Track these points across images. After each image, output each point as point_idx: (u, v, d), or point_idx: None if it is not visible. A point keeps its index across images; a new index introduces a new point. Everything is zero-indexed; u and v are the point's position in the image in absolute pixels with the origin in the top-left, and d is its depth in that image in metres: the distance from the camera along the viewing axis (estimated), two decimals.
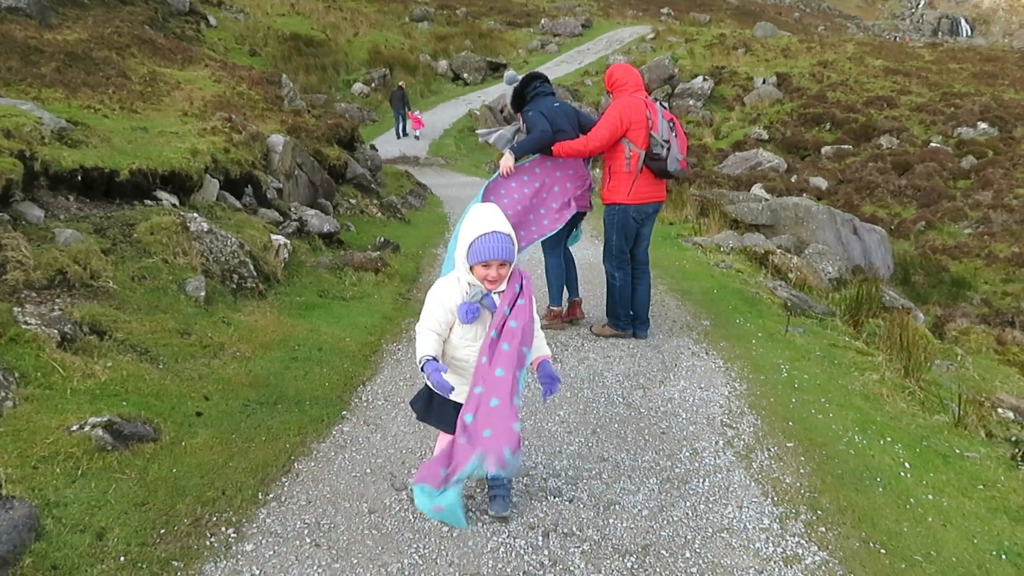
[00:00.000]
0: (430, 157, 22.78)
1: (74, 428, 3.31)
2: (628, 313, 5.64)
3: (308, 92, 23.98)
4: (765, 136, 26.17)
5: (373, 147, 16.34)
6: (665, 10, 49.90)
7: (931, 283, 14.68)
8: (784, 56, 34.48)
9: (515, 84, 5.61)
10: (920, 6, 79.21)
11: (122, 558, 2.72)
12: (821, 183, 21.43)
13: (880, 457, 4.01)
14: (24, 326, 3.90)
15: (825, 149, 24.66)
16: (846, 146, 24.74)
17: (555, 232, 5.34)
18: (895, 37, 40.94)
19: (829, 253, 11.12)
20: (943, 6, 78.90)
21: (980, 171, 21.24)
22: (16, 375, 3.57)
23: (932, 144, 23.98)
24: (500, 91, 29.55)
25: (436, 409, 3.06)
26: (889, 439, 4.26)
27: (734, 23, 47.21)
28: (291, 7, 33.70)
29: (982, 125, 24.78)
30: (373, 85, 30.35)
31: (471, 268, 2.86)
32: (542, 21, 42.18)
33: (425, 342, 2.86)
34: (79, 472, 3.11)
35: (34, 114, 5.94)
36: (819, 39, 37.86)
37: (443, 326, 2.91)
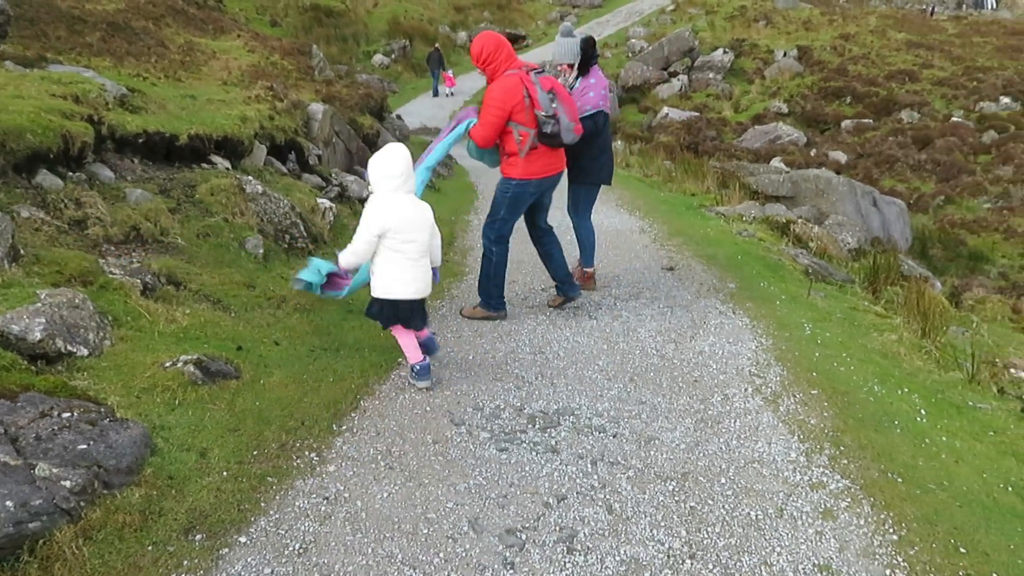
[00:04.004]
0: None
1: (167, 364, 3.68)
2: (502, 293, 5.44)
3: (330, 63, 24.16)
4: (785, 110, 26.14)
5: (399, 117, 16.59)
6: None
7: (949, 256, 14.86)
8: (805, 29, 34.21)
9: (570, 36, 5.59)
10: None
11: (224, 473, 3.10)
12: (841, 157, 21.49)
13: (898, 405, 4.33)
14: (111, 275, 4.26)
15: (845, 123, 24.62)
16: (866, 120, 24.68)
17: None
18: (931, 9, 39.47)
19: (849, 224, 11.35)
20: None
21: (1001, 146, 21.22)
22: (110, 318, 3.94)
23: (953, 119, 23.90)
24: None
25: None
26: (906, 390, 4.57)
27: None
28: None
29: (1005, 99, 24.64)
30: (393, 56, 30.49)
31: None
32: None
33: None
34: (176, 402, 3.48)
35: (97, 81, 6.27)
36: (841, 12, 37.41)
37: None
